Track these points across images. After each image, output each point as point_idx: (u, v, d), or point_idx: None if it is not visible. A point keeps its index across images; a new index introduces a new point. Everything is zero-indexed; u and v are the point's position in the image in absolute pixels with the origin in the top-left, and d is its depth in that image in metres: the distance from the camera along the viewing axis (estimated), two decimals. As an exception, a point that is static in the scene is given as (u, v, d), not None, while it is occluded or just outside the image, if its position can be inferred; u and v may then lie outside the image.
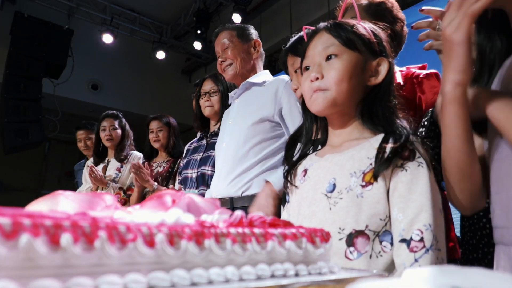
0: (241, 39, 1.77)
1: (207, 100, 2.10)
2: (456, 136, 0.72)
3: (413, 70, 1.34)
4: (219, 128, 2.04)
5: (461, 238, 1.06)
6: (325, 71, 0.84)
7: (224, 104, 2.05)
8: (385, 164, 0.76)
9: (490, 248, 0.92)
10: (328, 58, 0.85)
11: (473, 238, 0.99)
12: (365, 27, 0.89)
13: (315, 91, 0.85)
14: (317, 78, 0.84)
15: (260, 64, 1.85)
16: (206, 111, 2.11)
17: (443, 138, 0.76)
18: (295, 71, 1.34)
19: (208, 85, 2.13)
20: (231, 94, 1.85)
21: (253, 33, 1.84)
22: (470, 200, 0.78)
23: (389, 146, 0.78)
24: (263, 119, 1.59)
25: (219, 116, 2.09)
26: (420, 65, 1.37)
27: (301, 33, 0.93)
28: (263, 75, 1.78)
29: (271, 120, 1.59)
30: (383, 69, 0.86)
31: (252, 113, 1.62)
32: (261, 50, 1.85)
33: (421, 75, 1.28)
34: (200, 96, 2.15)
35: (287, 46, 1.39)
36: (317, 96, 0.85)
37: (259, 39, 1.84)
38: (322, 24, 0.91)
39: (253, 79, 1.74)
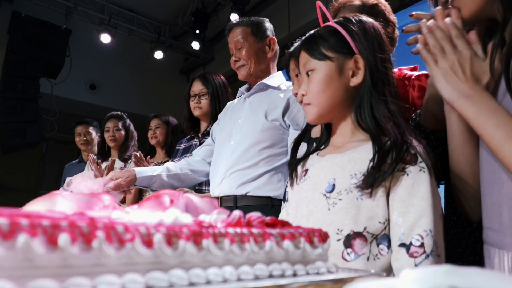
0: (255, 37, 1.71)
1: (197, 103, 2.12)
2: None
3: (405, 71, 1.35)
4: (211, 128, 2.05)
5: (445, 245, 1.06)
6: (308, 87, 0.88)
7: (215, 105, 2.08)
8: (387, 173, 0.76)
9: (476, 257, 0.92)
10: (308, 74, 0.89)
11: (458, 246, 0.99)
12: (335, 26, 0.89)
13: (304, 105, 0.90)
14: (303, 95, 0.89)
15: (274, 63, 1.80)
16: (196, 112, 2.13)
17: (452, 144, 0.78)
18: (296, 75, 1.33)
19: (197, 87, 2.14)
20: (241, 89, 1.82)
21: (269, 28, 1.77)
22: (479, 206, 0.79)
23: (388, 151, 0.78)
24: (275, 124, 1.59)
25: (209, 117, 2.12)
26: (412, 66, 1.38)
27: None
28: (277, 77, 1.76)
29: (282, 124, 1.59)
30: (360, 67, 0.85)
31: (266, 116, 1.61)
32: (276, 47, 1.79)
33: (412, 77, 1.31)
34: (190, 98, 2.16)
35: (290, 50, 1.38)
36: (306, 110, 0.90)
37: (274, 36, 1.78)
38: (300, 42, 0.95)
39: (268, 81, 1.71)
